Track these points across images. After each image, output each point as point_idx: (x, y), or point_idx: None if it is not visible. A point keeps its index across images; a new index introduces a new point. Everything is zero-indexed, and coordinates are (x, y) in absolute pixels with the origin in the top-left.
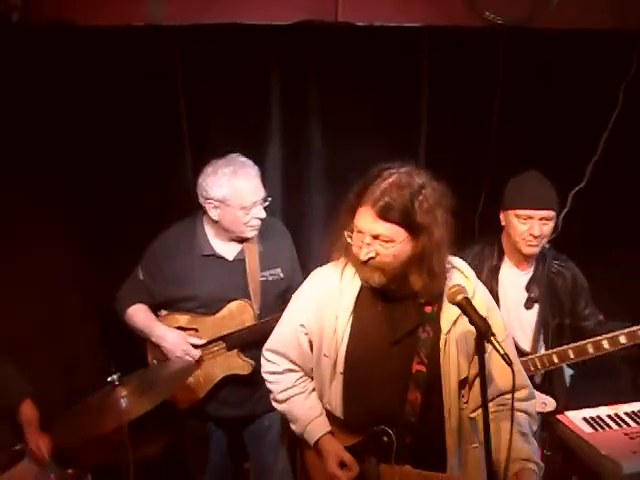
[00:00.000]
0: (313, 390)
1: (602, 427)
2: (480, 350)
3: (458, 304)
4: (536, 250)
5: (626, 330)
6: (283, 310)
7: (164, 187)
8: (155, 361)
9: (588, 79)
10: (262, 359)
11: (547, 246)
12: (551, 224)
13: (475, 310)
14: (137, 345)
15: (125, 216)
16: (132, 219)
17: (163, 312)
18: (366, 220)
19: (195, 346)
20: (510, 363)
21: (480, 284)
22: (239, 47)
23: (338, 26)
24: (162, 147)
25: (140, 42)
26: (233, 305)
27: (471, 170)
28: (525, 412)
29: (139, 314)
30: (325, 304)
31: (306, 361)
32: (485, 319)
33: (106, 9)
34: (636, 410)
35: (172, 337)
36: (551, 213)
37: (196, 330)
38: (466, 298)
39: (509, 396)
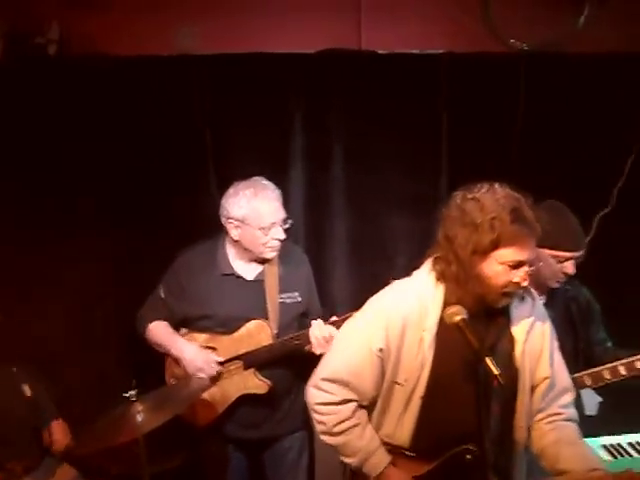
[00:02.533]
0: (367, 420)
1: (621, 455)
2: (477, 372)
3: (456, 325)
4: None
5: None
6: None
7: (191, 209)
8: (173, 380)
9: (612, 103)
10: (313, 390)
11: None
12: None
13: (471, 332)
14: (158, 364)
15: (154, 235)
16: (160, 239)
17: (183, 330)
18: (531, 251)
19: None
20: (500, 383)
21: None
22: (264, 75)
23: (361, 54)
24: (189, 171)
25: (168, 71)
26: (251, 324)
27: None
28: (573, 421)
29: (159, 329)
30: (410, 326)
31: (371, 390)
32: (482, 340)
33: (139, 41)
34: None
35: (191, 350)
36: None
37: (214, 349)
38: (464, 319)
39: (560, 404)
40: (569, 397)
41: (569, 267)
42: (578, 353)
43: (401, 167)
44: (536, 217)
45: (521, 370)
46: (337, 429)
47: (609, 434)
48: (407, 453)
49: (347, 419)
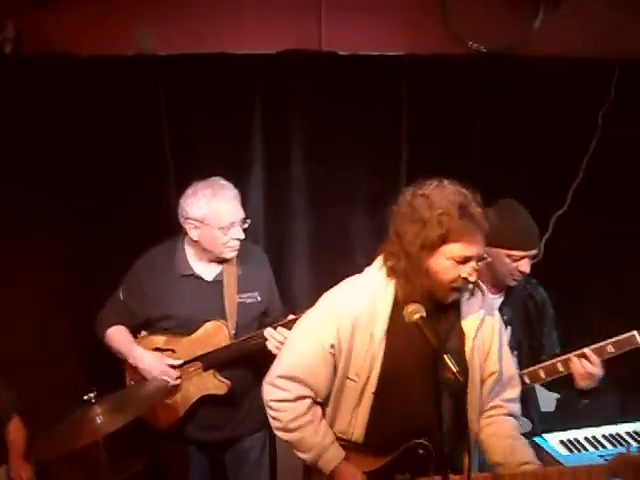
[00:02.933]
0: (322, 417)
1: (578, 449)
2: (435, 369)
3: (415, 323)
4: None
5: (594, 345)
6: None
7: (150, 210)
8: (132, 382)
9: (568, 106)
10: (268, 387)
11: None
12: None
13: (430, 329)
14: (117, 366)
15: (111, 237)
16: (118, 240)
17: (143, 333)
18: (478, 246)
19: (172, 367)
20: (459, 380)
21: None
22: (224, 76)
23: (321, 55)
24: (148, 172)
25: (127, 71)
26: (209, 325)
27: None
28: (514, 416)
29: (117, 335)
30: (361, 322)
31: (325, 386)
32: (440, 338)
33: (97, 41)
34: (614, 433)
35: (149, 359)
36: (538, 248)
37: (173, 351)
38: (422, 317)
39: (504, 398)
40: (514, 392)
41: (524, 265)
42: (535, 350)
43: (361, 167)
44: (484, 214)
45: (471, 365)
46: (292, 425)
47: (566, 429)
48: (361, 448)
49: (302, 415)
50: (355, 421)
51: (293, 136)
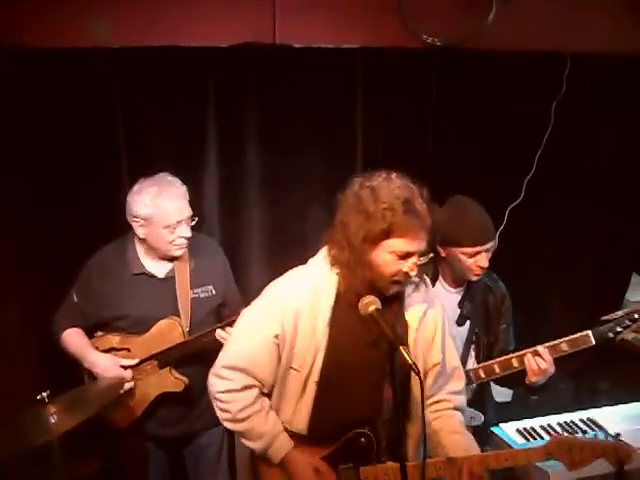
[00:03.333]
0: (270, 407)
1: (534, 438)
2: (391, 359)
3: (370, 315)
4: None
5: (551, 343)
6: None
7: (103, 205)
8: (90, 380)
9: (521, 98)
10: (214, 378)
11: None
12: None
13: (385, 321)
14: (75, 364)
15: (64, 233)
16: (71, 236)
17: (99, 333)
18: (421, 242)
19: (128, 367)
20: (418, 372)
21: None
22: (178, 68)
23: (276, 48)
24: (100, 168)
25: (80, 63)
26: (162, 323)
27: None
28: (460, 410)
29: (72, 339)
30: (304, 312)
31: (270, 376)
32: (395, 329)
33: (48, 33)
34: (568, 420)
35: (103, 363)
36: (494, 241)
37: (128, 350)
38: (377, 309)
39: (449, 390)
40: (459, 384)
41: (482, 260)
42: (491, 344)
43: (316, 161)
44: (430, 209)
45: (414, 355)
46: (241, 415)
47: (523, 418)
48: (305, 440)
49: (250, 405)
50: (299, 411)
51: (248, 128)
